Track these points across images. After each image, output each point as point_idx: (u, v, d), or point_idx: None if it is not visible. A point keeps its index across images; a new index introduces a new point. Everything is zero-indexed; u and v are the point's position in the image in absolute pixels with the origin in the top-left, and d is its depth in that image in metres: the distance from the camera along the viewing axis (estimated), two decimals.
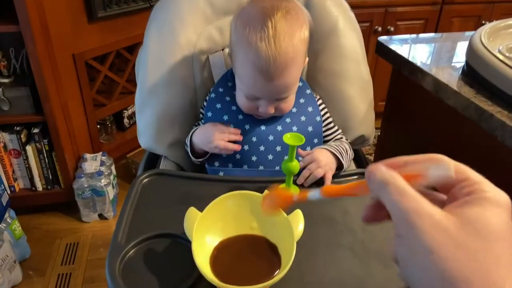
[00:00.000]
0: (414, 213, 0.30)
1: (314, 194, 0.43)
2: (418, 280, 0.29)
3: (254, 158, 0.87)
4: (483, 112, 0.78)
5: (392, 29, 2.28)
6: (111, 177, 1.86)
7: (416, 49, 1.09)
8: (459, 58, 1.04)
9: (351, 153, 0.90)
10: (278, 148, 0.87)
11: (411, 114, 1.13)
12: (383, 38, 1.12)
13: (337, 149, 0.84)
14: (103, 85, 2.04)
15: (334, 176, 0.81)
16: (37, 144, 1.69)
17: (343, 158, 0.84)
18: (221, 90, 0.91)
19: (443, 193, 0.35)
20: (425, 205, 0.30)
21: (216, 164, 0.88)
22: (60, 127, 1.69)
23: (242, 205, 0.65)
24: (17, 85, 1.60)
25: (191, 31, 0.92)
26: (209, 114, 0.90)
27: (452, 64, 0.99)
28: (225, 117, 0.89)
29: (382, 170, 0.33)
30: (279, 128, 0.88)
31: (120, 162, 2.17)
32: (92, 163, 1.84)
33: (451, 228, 0.29)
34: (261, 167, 0.87)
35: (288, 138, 0.71)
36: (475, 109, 0.80)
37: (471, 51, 0.90)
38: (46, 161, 1.75)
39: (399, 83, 1.15)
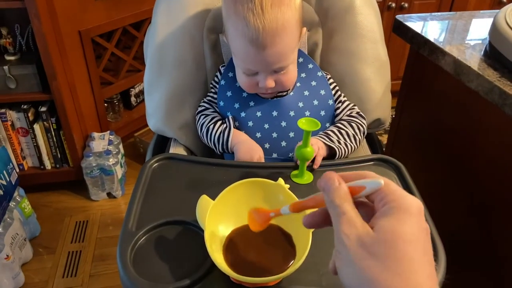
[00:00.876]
0: (343, 235, 0.36)
1: (284, 209, 0.47)
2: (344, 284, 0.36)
3: (267, 146, 0.84)
4: (508, 97, 0.74)
5: (406, 5, 2.21)
6: (119, 156, 1.85)
7: (435, 28, 1.04)
8: (481, 38, 0.99)
9: (362, 130, 0.88)
10: (291, 134, 0.84)
11: (429, 96, 1.09)
12: (400, 16, 1.07)
13: (335, 136, 0.83)
14: (110, 63, 2.01)
15: (348, 162, 0.79)
16: (45, 122, 1.68)
17: (340, 144, 0.83)
18: (230, 75, 0.88)
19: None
20: (353, 227, 0.36)
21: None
22: (68, 105, 1.68)
23: (255, 193, 0.63)
24: (23, 63, 1.58)
25: (201, 8, 0.89)
26: (221, 103, 0.88)
27: (474, 44, 0.95)
28: (236, 105, 0.86)
29: (340, 194, 0.38)
30: (292, 113, 0.85)
31: (128, 141, 2.16)
32: (100, 142, 1.83)
33: (368, 243, 0.35)
34: (274, 155, 0.85)
35: (303, 123, 0.69)
36: (499, 93, 0.76)
37: (495, 32, 0.86)
38: (54, 139, 1.74)
39: (416, 64, 1.11)
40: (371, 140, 0.97)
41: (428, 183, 1.07)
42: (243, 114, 0.85)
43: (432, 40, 0.94)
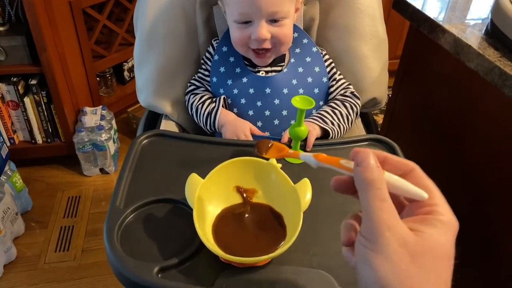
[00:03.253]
0: (385, 225, 0.32)
1: (306, 156, 0.43)
2: (365, 278, 0.33)
3: (259, 124, 0.83)
4: (508, 78, 0.72)
5: None
6: (112, 131, 1.83)
7: (435, 5, 1.01)
8: (483, 17, 0.97)
9: (356, 111, 0.86)
10: (284, 112, 0.82)
11: (427, 76, 1.06)
12: None
13: (329, 117, 0.82)
14: (102, 35, 1.95)
15: (342, 142, 0.77)
16: (35, 96, 1.65)
17: (334, 126, 0.81)
18: (224, 49, 0.85)
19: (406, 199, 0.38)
20: (395, 219, 0.33)
21: None
22: (58, 78, 1.64)
23: (246, 172, 0.62)
24: (12, 34, 1.53)
25: None
26: (214, 79, 0.85)
27: (475, 23, 0.92)
28: (229, 81, 0.83)
29: (372, 168, 0.34)
30: (285, 91, 0.83)
31: (121, 116, 2.13)
32: (92, 117, 1.81)
33: (411, 245, 0.32)
34: (266, 133, 0.83)
35: (297, 101, 0.67)
36: (498, 74, 0.74)
37: (497, 10, 0.83)
38: (45, 113, 1.71)
39: (415, 42, 1.08)
40: (366, 120, 0.96)
41: (423, 163, 1.06)
42: (235, 91, 0.83)
43: (432, 17, 0.91)
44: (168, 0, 0.84)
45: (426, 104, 1.08)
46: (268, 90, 0.83)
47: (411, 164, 0.37)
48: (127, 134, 2.08)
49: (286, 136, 0.74)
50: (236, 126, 0.79)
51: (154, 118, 0.93)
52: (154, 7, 0.84)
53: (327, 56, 0.88)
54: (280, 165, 0.62)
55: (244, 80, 0.83)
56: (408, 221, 0.34)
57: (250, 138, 0.79)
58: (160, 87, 0.87)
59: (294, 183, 0.59)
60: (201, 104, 0.84)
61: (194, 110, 0.85)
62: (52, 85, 1.63)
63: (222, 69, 0.84)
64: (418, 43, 1.08)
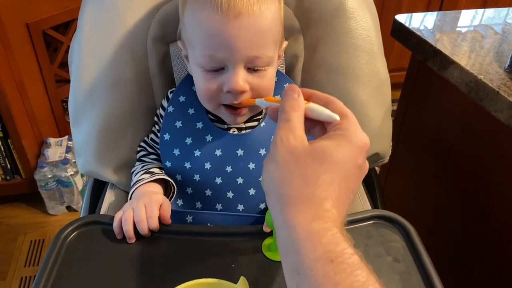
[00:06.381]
0: (279, 138, 0.39)
1: (260, 101, 0.50)
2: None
3: (230, 195, 0.64)
4: None
5: None
6: None
7: (444, 31, 0.83)
8: (500, 43, 0.79)
9: None
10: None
11: (435, 114, 0.89)
12: (401, 17, 0.86)
13: None
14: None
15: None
16: None
17: None
18: (182, 99, 0.66)
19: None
20: (292, 134, 0.39)
21: (180, 202, 0.66)
22: (15, 109, 1.46)
23: None
24: None
25: (143, 11, 0.67)
26: (166, 136, 0.66)
27: (497, 57, 0.75)
28: (188, 140, 0.65)
29: (286, 99, 0.42)
30: (262, 152, 0.64)
31: None
32: (56, 149, 1.62)
33: (297, 152, 0.38)
34: (240, 206, 0.64)
35: None
36: None
37: None
38: (2, 149, 1.52)
39: (420, 75, 0.90)
40: (368, 178, 0.77)
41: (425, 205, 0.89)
42: (197, 153, 0.64)
43: (444, 51, 0.73)
44: (108, 39, 0.65)
45: (434, 147, 0.90)
46: (240, 152, 0.64)
47: (332, 97, 0.43)
48: None
49: (267, 226, 0.56)
50: (147, 197, 0.60)
51: (102, 187, 0.74)
52: (91, 48, 0.65)
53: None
54: None
55: (209, 138, 0.65)
56: (316, 139, 0.40)
57: (153, 227, 0.57)
58: (102, 147, 0.68)
59: None
60: (134, 174, 0.67)
61: (132, 182, 0.66)
62: (7, 117, 1.45)
63: (178, 124, 0.66)
64: (424, 75, 0.90)
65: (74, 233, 0.56)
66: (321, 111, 0.41)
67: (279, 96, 0.64)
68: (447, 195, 0.86)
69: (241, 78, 0.56)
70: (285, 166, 0.37)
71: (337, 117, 0.40)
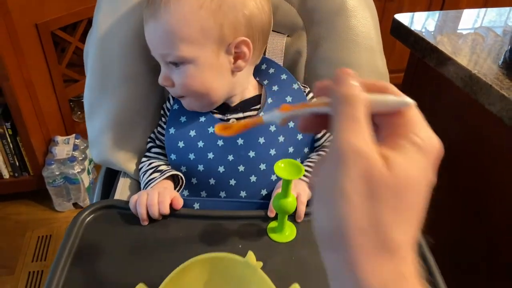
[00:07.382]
0: (351, 149, 0.27)
1: (269, 115, 0.35)
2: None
3: (232, 182, 0.68)
4: None
5: None
6: (86, 162, 1.68)
7: (441, 31, 0.87)
8: (496, 41, 0.83)
9: None
10: (262, 167, 0.68)
11: (433, 111, 0.92)
12: (401, 16, 0.90)
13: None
14: (76, 57, 1.80)
15: None
16: None
17: None
18: None
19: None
20: (365, 142, 0.27)
21: (185, 193, 0.69)
22: (24, 108, 1.49)
23: (213, 273, 0.47)
24: None
25: None
26: (172, 130, 0.70)
27: (491, 52, 0.78)
28: (192, 132, 0.69)
29: (349, 84, 0.29)
30: (262, 140, 0.68)
31: None
32: (64, 147, 1.65)
33: (376, 176, 0.26)
34: (243, 193, 0.68)
35: (281, 169, 0.52)
36: None
37: None
38: (11, 146, 1.56)
39: (418, 72, 0.94)
40: None
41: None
42: (200, 144, 0.68)
43: (441, 48, 0.77)
44: (123, 35, 0.69)
45: None
46: (240, 141, 0.68)
47: (384, 83, 0.32)
48: None
49: (272, 210, 0.60)
50: (162, 188, 0.64)
51: (113, 176, 0.77)
52: (106, 43, 0.69)
53: (311, 94, 0.74)
54: (260, 263, 0.48)
55: (211, 130, 0.68)
56: (384, 145, 0.29)
57: (164, 211, 0.61)
58: (115, 138, 0.72)
59: None
60: (144, 173, 0.71)
61: (142, 181, 0.71)
62: (16, 115, 1.48)
63: (182, 119, 0.70)
64: (422, 73, 0.94)
65: (92, 216, 0.59)
66: (389, 100, 0.30)
67: (289, 99, 0.67)
68: (448, 194, 0.89)
69: (163, 75, 0.65)
70: (359, 203, 0.26)
71: (411, 101, 0.30)
